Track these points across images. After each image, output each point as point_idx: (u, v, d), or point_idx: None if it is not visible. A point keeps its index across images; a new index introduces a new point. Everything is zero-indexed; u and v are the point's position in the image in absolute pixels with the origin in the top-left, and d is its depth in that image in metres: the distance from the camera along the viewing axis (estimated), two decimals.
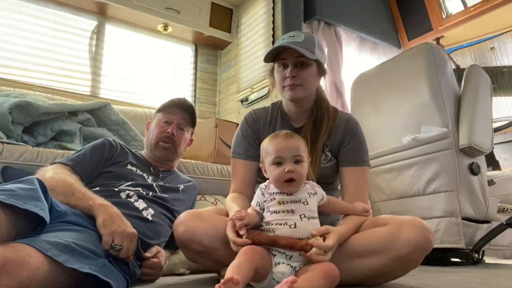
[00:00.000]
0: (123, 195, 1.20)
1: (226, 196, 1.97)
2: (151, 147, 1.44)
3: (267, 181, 1.02)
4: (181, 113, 1.48)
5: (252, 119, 1.30)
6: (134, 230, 0.98)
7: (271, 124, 1.29)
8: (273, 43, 2.64)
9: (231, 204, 1.11)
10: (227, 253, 1.02)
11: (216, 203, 1.89)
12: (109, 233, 0.92)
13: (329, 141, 1.23)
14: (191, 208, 1.41)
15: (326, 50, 2.68)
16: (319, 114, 1.25)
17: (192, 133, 1.57)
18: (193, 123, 1.54)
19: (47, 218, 0.76)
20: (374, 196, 2.03)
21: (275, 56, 1.21)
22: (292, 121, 1.29)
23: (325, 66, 1.28)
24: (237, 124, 2.20)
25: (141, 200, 1.22)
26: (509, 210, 1.92)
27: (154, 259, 1.13)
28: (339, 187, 1.32)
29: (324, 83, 2.69)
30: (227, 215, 1.10)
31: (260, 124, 1.29)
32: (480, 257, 1.72)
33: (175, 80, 3.24)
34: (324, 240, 0.89)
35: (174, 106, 1.49)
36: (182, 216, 1.06)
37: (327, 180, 1.25)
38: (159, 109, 1.52)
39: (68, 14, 2.74)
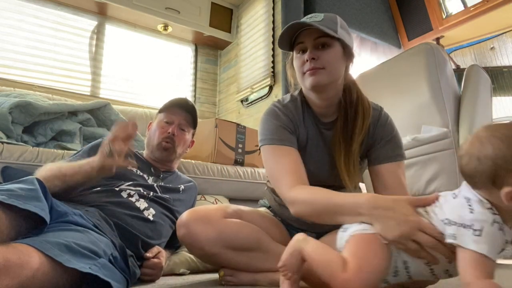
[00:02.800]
0: (124, 194, 1.20)
1: (226, 196, 1.99)
2: (152, 147, 1.43)
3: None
4: (182, 113, 1.47)
5: (284, 109, 1.08)
6: None
7: (300, 119, 1.08)
8: (273, 43, 2.64)
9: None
10: (228, 258, 1.01)
11: (216, 203, 1.88)
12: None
13: (364, 141, 1.06)
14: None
15: None
16: (349, 107, 1.06)
17: (193, 135, 1.56)
18: (194, 124, 1.53)
19: (47, 218, 0.76)
20: None
21: (292, 43, 1.04)
22: (320, 116, 1.09)
23: (354, 50, 1.05)
24: (237, 124, 2.22)
25: (142, 200, 1.22)
26: None
27: (155, 259, 1.13)
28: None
29: None
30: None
31: (296, 117, 1.08)
32: None
33: (175, 80, 3.24)
34: None
35: (175, 106, 1.48)
36: (185, 217, 1.03)
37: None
38: (161, 109, 1.51)
39: (68, 14, 2.74)
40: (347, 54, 1.04)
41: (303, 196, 0.90)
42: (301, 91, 1.12)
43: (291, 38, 1.03)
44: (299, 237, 0.78)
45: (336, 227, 0.83)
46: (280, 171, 0.98)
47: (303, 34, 1.01)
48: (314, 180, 0.99)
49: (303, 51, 1.02)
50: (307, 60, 1.00)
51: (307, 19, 1.01)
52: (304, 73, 1.01)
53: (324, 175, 1.08)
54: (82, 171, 1.04)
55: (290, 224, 1.16)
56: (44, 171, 1.07)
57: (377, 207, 0.74)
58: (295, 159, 0.99)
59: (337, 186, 1.04)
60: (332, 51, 1.00)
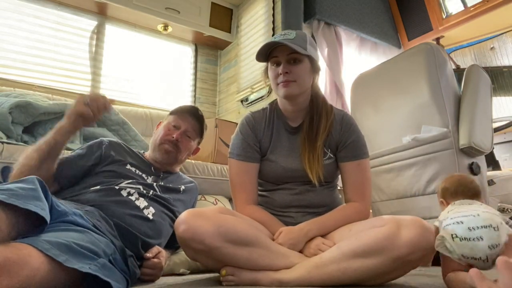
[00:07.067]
0: (124, 193, 1.20)
1: (226, 196, 2.00)
2: (155, 147, 1.44)
3: None
4: (191, 121, 1.47)
5: (251, 119, 1.30)
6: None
7: (269, 125, 1.29)
8: None
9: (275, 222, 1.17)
10: (228, 253, 1.02)
11: (216, 203, 1.89)
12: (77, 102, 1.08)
13: (327, 139, 1.24)
14: None
15: (326, 50, 2.68)
16: (316, 112, 1.25)
17: (199, 143, 1.56)
18: (201, 133, 1.53)
19: (47, 217, 0.76)
20: (374, 196, 2.03)
21: (267, 55, 1.22)
22: (289, 121, 1.29)
23: (324, 63, 1.29)
24: (237, 124, 2.22)
25: (142, 199, 1.22)
26: (509, 210, 1.92)
27: (155, 260, 1.13)
28: (339, 186, 1.33)
29: (324, 83, 2.69)
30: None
31: (259, 127, 1.29)
32: None
33: (175, 80, 3.24)
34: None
35: (186, 112, 1.48)
36: (184, 215, 1.05)
37: (328, 178, 1.26)
38: (172, 111, 1.52)
39: (68, 14, 2.74)
40: (314, 68, 1.24)
41: (253, 216, 1.18)
42: (276, 101, 1.33)
43: (266, 52, 1.20)
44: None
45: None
46: (239, 185, 1.24)
47: (277, 49, 1.18)
48: (286, 171, 1.22)
49: (277, 63, 1.20)
50: (280, 74, 1.17)
51: (281, 36, 1.18)
52: (278, 84, 1.19)
53: (293, 167, 1.24)
54: (56, 129, 1.10)
55: (277, 214, 1.24)
56: (23, 154, 1.12)
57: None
58: (251, 176, 1.24)
59: (305, 176, 1.20)
60: (302, 66, 1.18)
